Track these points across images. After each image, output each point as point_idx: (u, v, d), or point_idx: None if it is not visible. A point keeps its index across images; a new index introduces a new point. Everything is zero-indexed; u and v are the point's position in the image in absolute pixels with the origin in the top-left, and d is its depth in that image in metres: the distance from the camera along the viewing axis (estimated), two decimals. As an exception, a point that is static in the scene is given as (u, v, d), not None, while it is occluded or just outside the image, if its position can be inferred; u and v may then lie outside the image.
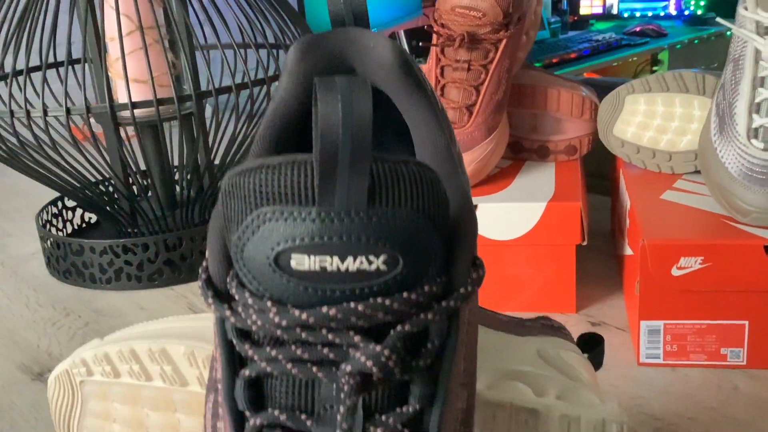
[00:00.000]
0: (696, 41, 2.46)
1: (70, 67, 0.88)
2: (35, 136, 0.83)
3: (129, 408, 0.39)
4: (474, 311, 0.30)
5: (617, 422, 0.37)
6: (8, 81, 0.83)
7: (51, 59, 0.94)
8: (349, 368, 0.25)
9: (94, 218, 1.08)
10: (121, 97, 0.92)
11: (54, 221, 1.03)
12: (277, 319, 0.25)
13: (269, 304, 0.25)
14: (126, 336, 0.38)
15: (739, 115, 0.67)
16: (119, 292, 0.92)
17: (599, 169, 1.00)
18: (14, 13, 0.89)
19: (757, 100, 0.66)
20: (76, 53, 0.95)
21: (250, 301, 0.26)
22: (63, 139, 0.87)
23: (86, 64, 0.83)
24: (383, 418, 0.26)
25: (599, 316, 0.78)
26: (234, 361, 0.27)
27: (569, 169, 0.86)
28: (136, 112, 0.84)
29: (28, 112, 0.80)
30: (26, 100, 0.81)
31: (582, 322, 0.78)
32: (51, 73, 0.90)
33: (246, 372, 0.26)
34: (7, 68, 0.86)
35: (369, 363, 0.25)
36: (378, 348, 0.25)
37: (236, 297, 0.26)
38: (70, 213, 1.06)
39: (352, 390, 0.24)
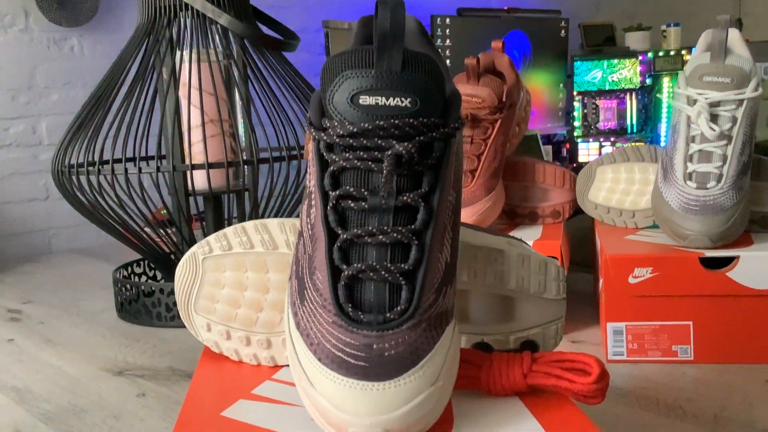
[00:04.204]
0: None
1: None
2: (126, 213, 1.05)
3: (235, 274, 0.57)
4: (459, 157, 0.50)
5: (555, 264, 0.55)
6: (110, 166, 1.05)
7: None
8: (390, 152, 0.44)
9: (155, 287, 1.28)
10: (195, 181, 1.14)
11: (125, 280, 1.23)
12: (351, 128, 0.45)
13: (347, 123, 0.45)
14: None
15: (678, 164, 0.88)
16: (181, 329, 1.09)
17: (584, 261, 1.20)
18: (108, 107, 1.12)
19: (690, 152, 0.87)
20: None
21: (336, 123, 0.46)
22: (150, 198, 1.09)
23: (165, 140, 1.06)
24: (408, 194, 0.45)
25: (579, 337, 0.96)
26: (323, 164, 0.47)
27: (554, 227, 1.06)
28: (205, 186, 1.06)
29: (126, 169, 1.01)
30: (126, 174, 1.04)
31: (565, 341, 0.95)
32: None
33: (330, 168, 0.46)
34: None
35: (401, 149, 0.44)
36: (407, 143, 0.45)
37: (326, 125, 0.46)
38: (137, 278, 1.26)
39: (391, 164, 0.44)
